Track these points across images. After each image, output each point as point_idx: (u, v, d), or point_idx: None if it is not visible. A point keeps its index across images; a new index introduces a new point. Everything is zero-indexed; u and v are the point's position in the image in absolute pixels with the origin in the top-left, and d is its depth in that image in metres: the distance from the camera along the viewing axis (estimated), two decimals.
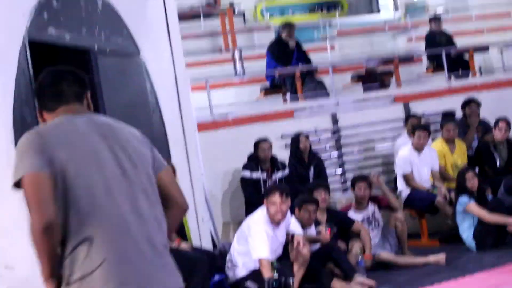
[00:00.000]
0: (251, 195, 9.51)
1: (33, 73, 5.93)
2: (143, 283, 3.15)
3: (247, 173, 9.73)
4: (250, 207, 9.60)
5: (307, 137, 10.18)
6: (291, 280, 6.87)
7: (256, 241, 7.22)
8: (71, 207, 3.14)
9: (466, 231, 8.97)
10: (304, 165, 10.04)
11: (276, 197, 7.31)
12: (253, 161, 9.77)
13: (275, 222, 7.34)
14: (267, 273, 6.96)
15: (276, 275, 6.87)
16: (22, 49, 5.83)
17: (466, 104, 11.19)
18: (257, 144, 9.76)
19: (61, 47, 6.53)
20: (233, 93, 13.83)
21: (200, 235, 8.40)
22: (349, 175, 10.74)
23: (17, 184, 3.18)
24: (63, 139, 3.22)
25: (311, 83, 12.19)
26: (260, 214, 7.44)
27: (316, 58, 13.67)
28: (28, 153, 3.15)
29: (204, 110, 10.88)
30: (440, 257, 8.41)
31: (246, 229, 7.47)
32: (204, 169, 9.06)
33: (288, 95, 12.29)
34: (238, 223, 9.68)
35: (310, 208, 7.88)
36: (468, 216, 8.94)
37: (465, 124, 11.09)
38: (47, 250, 3.12)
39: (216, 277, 7.50)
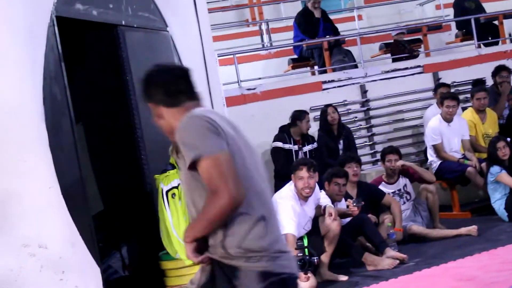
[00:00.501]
0: (283, 166, 9.46)
1: (61, 49, 5.93)
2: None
3: (279, 144, 9.71)
4: (280, 181, 9.59)
5: (335, 109, 10.12)
6: (315, 260, 6.86)
7: (283, 217, 7.16)
8: (250, 187, 3.33)
9: (498, 202, 8.89)
10: (334, 137, 10.00)
11: (303, 172, 7.26)
12: (285, 133, 9.76)
13: (302, 197, 7.29)
14: (291, 249, 6.93)
15: (300, 254, 6.85)
16: (50, 25, 5.84)
17: (496, 71, 11.04)
18: (299, 115, 9.73)
19: (88, 23, 6.52)
20: (261, 66, 13.78)
21: None
22: (379, 147, 10.69)
23: (192, 165, 3.27)
24: (225, 126, 3.35)
25: (338, 55, 12.09)
26: (287, 190, 7.39)
27: (343, 28, 13.56)
28: (207, 135, 3.27)
29: (233, 84, 10.86)
30: (472, 229, 8.34)
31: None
32: None
33: (316, 67, 12.22)
34: None
35: (340, 181, 7.82)
36: (500, 186, 8.86)
37: (496, 92, 10.95)
38: (219, 221, 3.27)
39: None
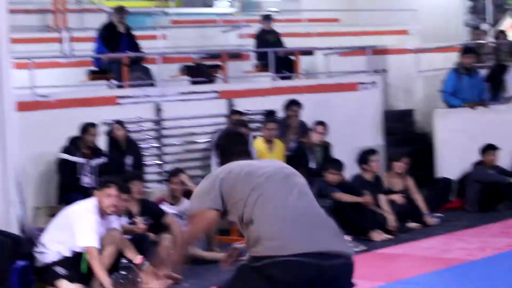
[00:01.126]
0: (68, 179, 9.39)
1: None
2: None
3: (66, 156, 9.59)
4: (65, 192, 9.48)
5: (121, 125, 10.09)
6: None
7: (84, 230, 7.16)
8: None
9: None
10: (122, 153, 9.98)
11: (112, 190, 7.32)
12: (74, 145, 9.64)
13: (105, 214, 7.32)
14: (95, 262, 7.02)
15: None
16: None
17: (288, 105, 11.46)
18: (86, 128, 9.64)
19: None
20: (59, 74, 13.52)
21: (9, 218, 8.20)
22: (168, 167, 10.76)
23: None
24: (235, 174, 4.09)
25: (137, 71, 12.12)
26: (89, 203, 7.37)
27: (147, 46, 13.59)
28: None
29: (27, 89, 10.60)
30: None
31: (69, 216, 7.36)
32: (19, 150, 8.81)
33: (113, 81, 12.17)
34: (50, 208, 9.52)
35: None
36: None
37: (285, 124, 11.36)
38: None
39: (20, 263, 7.32)
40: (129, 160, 9.99)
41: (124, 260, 7.48)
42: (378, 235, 9.39)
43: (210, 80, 12.78)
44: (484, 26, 18.02)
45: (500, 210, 11.22)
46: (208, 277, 7.86)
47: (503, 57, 15.10)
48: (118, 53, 12.08)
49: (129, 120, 10.61)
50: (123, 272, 7.34)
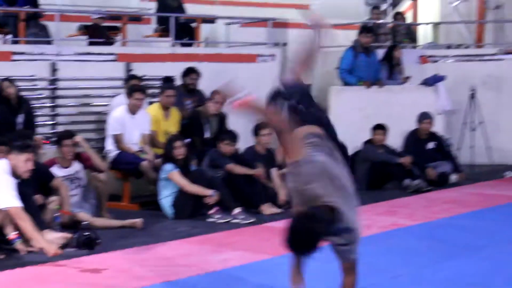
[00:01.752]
0: None
1: None
2: None
3: None
4: None
5: (12, 82, 9.79)
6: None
7: (2, 191, 6.98)
8: None
9: (166, 199, 9.17)
10: (13, 111, 9.71)
11: (30, 156, 7.31)
12: None
13: (16, 175, 7.23)
14: (21, 220, 6.87)
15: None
16: None
17: (186, 72, 11.40)
18: None
19: None
20: None
21: None
22: (61, 128, 10.57)
23: None
24: None
25: (34, 28, 11.82)
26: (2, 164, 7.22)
27: (44, 2, 13.27)
28: None
29: None
30: (137, 222, 8.51)
31: None
32: None
33: (9, 36, 11.84)
34: None
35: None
36: (170, 184, 9.13)
37: (182, 92, 11.29)
38: None
39: None
40: (20, 118, 9.74)
41: None
42: (267, 209, 9.48)
43: (109, 42, 12.58)
44: (384, 7, 18.36)
45: (388, 189, 11.52)
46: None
47: (400, 38, 15.43)
48: (15, 7, 11.74)
49: (23, 77, 10.35)
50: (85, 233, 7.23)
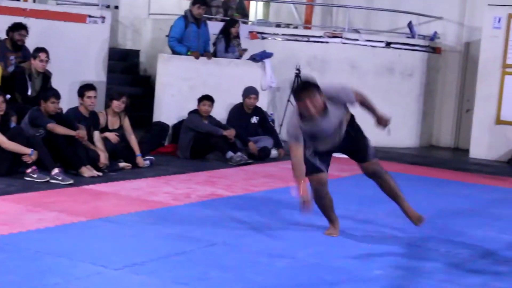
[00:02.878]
0: None
1: None
2: None
3: None
4: None
5: None
6: None
7: None
8: None
9: None
10: None
11: None
12: None
13: None
14: None
15: None
16: None
17: (16, 27, 11.03)
18: None
19: None
20: None
21: None
22: None
23: None
24: None
25: None
26: None
27: None
28: None
29: None
30: None
31: None
32: None
33: None
34: None
35: None
36: None
37: (6, 47, 10.94)
38: None
39: None
40: None
41: None
42: (87, 171, 9.36)
43: None
44: None
45: (209, 159, 11.65)
46: None
47: (231, 12, 15.59)
48: None
49: None
50: None
